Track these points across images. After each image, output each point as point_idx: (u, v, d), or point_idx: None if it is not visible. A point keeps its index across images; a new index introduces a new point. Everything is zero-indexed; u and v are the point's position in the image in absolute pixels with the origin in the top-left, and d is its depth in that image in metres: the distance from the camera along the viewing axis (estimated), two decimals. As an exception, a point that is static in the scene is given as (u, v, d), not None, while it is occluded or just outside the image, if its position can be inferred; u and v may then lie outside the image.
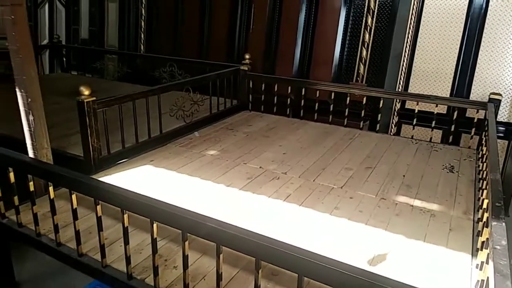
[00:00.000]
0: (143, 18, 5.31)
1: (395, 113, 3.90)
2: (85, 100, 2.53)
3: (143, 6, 5.27)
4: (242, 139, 3.34)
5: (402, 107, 3.91)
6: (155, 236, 1.47)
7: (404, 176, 2.72)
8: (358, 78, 4.15)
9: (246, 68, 4.07)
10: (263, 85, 4.01)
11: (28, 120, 2.18)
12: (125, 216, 1.52)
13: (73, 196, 1.65)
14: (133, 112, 2.93)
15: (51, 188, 1.71)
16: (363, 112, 3.68)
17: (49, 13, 6.20)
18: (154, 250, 1.49)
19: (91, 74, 5.67)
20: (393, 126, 3.91)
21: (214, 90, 3.77)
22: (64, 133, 3.28)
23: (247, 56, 4.15)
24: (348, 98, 3.71)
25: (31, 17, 6.39)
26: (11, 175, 1.84)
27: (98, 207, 1.60)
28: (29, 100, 2.14)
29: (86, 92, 2.55)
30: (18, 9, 2.01)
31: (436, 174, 2.75)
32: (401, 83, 3.88)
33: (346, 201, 2.36)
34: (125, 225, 1.53)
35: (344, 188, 2.53)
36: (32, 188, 1.80)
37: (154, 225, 1.45)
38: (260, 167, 2.79)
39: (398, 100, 3.86)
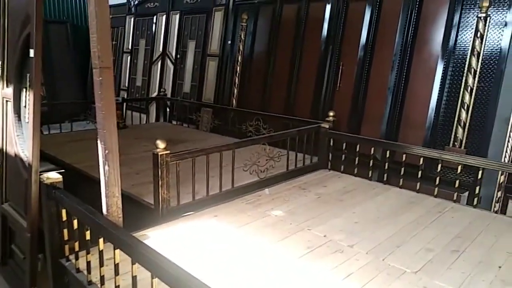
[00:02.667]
0: (237, 75, 5.64)
1: (500, 187, 3.32)
2: (159, 153, 2.69)
3: (239, 64, 5.61)
4: (312, 201, 3.16)
5: (509, 180, 3.33)
6: (177, 309, 1.39)
7: (500, 267, 2.22)
8: (456, 143, 3.70)
9: (327, 126, 3.94)
10: (345, 144, 3.82)
11: (104, 169, 2.36)
12: (154, 280, 1.49)
13: (116, 251, 1.68)
14: (206, 166, 3.02)
15: (101, 240, 1.79)
16: (457, 182, 3.23)
17: (161, 69, 7.01)
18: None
19: (187, 125, 6.13)
20: (497, 202, 3.32)
21: (294, 146, 3.73)
22: (147, 180, 3.48)
23: (331, 114, 4.05)
24: (439, 165, 3.30)
25: (146, 72, 7.32)
26: (75, 222, 1.98)
27: (134, 267, 1.60)
28: (107, 151, 2.33)
29: (162, 146, 2.71)
30: (106, 72, 2.25)
31: (547, 271, 2.19)
32: (508, 151, 3.33)
33: (418, 291, 2.00)
34: (153, 291, 1.49)
35: (419, 274, 2.15)
36: (88, 237, 1.90)
37: (178, 297, 1.38)
38: (325, 236, 2.56)
39: (503, 172, 3.30)
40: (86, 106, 7.30)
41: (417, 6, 4.00)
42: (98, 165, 2.34)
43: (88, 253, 1.92)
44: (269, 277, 2.08)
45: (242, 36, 5.56)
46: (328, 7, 4.71)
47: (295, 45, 5.08)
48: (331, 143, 3.93)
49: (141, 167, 3.82)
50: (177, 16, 6.74)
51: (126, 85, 7.89)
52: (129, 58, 7.83)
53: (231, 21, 5.86)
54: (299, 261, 2.25)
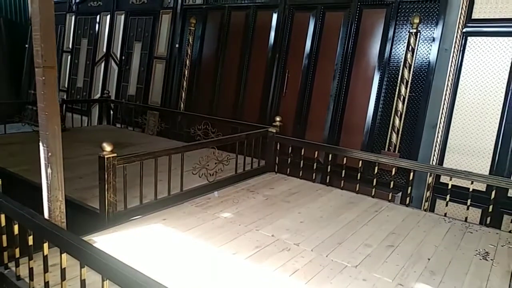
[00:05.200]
0: (185, 78, 5.62)
1: (429, 187, 3.65)
2: (106, 156, 2.63)
3: (187, 67, 5.60)
4: (260, 203, 3.25)
5: (437, 181, 3.67)
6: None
7: (429, 259, 2.46)
8: (390, 147, 4.00)
9: (274, 131, 4.08)
10: (290, 148, 3.98)
11: (46, 173, 2.27)
12: (105, 283, 1.48)
13: (63, 256, 1.64)
14: (155, 170, 2.99)
15: (45, 245, 1.73)
16: (392, 183, 3.50)
17: (104, 70, 6.77)
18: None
19: (132, 128, 5.97)
20: (426, 201, 3.64)
21: (243, 150, 3.81)
22: (91, 184, 3.38)
23: (277, 119, 4.19)
24: (376, 168, 3.56)
25: (88, 73, 7.04)
26: (16, 227, 1.89)
27: (83, 270, 1.57)
28: (50, 154, 2.24)
29: (108, 148, 2.65)
30: (50, 71, 2.18)
31: (467, 260, 2.46)
32: (436, 155, 3.68)
33: (357, 283, 2.16)
34: (104, 293, 1.48)
35: (359, 267, 2.32)
36: (30, 242, 1.83)
37: (130, 297, 1.38)
38: (272, 236, 2.66)
39: (431, 173, 3.63)
40: (20, 107, 6.87)
41: (356, 20, 4.29)
42: (35, 169, 2.24)
43: (31, 259, 1.83)
44: (219, 277, 2.13)
45: (190, 40, 5.57)
46: (275, 15, 4.88)
47: (243, 51, 5.19)
48: (278, 147, 4.07)
49: (84, 171, 3.68)
50: (122, 17, 6.57)
51: (66, 86, 7.51)
52: (69, 57, 7.47)
53: (179, 24, 5.84)
54: (248, 260, 2.32)
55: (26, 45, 8.09)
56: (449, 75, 3.61)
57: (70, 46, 7.46)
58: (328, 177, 3.81)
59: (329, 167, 3.78)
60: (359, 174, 3.59)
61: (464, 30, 3.53)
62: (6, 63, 8.26)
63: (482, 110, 3.46)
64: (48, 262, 1.77)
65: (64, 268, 1.67)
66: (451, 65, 3.59)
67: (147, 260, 2.25)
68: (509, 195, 3.28)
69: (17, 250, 1.94)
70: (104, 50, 6.81)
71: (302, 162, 3.90)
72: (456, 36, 3.56)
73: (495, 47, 3.40)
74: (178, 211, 2.99)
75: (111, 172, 2.66)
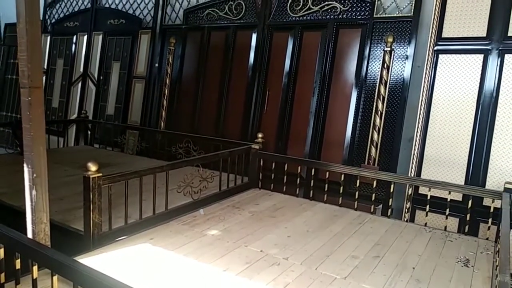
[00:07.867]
0: (165, 97, 5.62)
1: (408, 198, 3.77)
2: (91, 176, 2.60)
3: (167, 87, 5.61)
4: (247, 219, 3.27)
5: (415, 192, 3.79)
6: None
7: (414, 268, 2.53)
8: (370, 161, 4.11)
9: (257, 147, 4.13)
10: (274, 164, 4.03)
11: (31, 194, 2.22)
12: (101, 303, 1.46)
13: (54, 278, 1.60)
14: (140, 189, 2.97)
15: (34, 268, 1.68)
16: (373, 195, 3.60)
17: (81, 90, 6.69)
18: None
19: (111, 148, 5.89)
20: (406, 212, 3.75)
21: (226, 167, 3.82)
22: (72, 206, 3.31)
23: (259, 135, 4.24)
24: (358, 181, 3.65)
25: (64, 93, 6.93)
26: (1, 251, 1.84)
27: (77, 291, 1.54)
28: (35, 175, 2.20)
29: (93, 168, 2.62)
30: (36, 92, 2.16)
31: (449, 268, 2.55)
32: (414, 167, 3.81)
33: (348, 294, 2.20)
34: (100, 314, 1.46)
35: (348, 279, 2.36)
36: (18, 266, 1.78)
37: (128, 316, 1.37)
38: (261, 251, 2.68)
39: (411, 185, 3.75)
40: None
41: (333, 39, 4.45)
42: (12, 192, 2.19)
43: (18, 283, 1.78)
44: (211, 294, 2.12)
45: (170, 60, 5.60)
46: (254, 36, 5.00)
47: (223, 70, 5.26)
48: (261, 163, 4.12)
49: (64, 193, 3.60)
50: (100, 37, 6.54)
51: (41, 106, 7.33)
52: (44, 78, 7.33)
53: (158, 44, 5.87)
54: (239, 276, 2.32)
55: (-2, 66, 7.92)
56: (423, 90, 3.79)
57: (45, 67, 7.33)
58: (311, 191, 3.87)
59: (312, 181, 3.85)
60: (341, 188, 3.67)
61: (435, 48, 3.74)
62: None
63: (455, 123, 3.64)
64: (38, 285, 1.73)
65: (56, 291, 1.63)
66: (424, 81, 3.77)
67: (137, 280, 2.21)
68: (484, 204, 3.42)
69: (2, 276, 1.88)
70: (81, 70, 6.74)
71: (285, 177, 3.95)
72: (428, 54, 3.75)
73: (465, 64, 3.60)
74: (165, 230, 2.96)
75: (96, 192, 2.62)
